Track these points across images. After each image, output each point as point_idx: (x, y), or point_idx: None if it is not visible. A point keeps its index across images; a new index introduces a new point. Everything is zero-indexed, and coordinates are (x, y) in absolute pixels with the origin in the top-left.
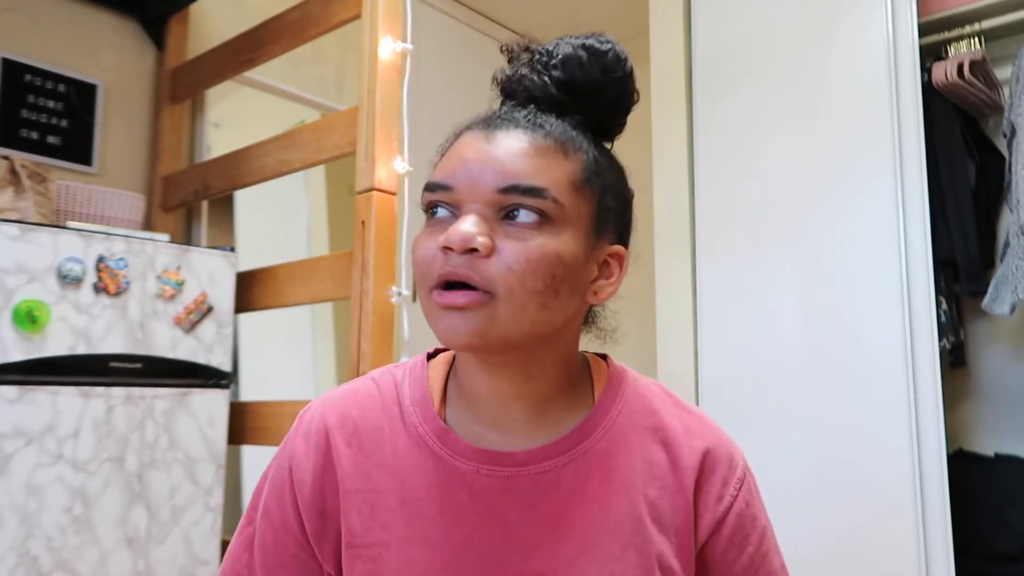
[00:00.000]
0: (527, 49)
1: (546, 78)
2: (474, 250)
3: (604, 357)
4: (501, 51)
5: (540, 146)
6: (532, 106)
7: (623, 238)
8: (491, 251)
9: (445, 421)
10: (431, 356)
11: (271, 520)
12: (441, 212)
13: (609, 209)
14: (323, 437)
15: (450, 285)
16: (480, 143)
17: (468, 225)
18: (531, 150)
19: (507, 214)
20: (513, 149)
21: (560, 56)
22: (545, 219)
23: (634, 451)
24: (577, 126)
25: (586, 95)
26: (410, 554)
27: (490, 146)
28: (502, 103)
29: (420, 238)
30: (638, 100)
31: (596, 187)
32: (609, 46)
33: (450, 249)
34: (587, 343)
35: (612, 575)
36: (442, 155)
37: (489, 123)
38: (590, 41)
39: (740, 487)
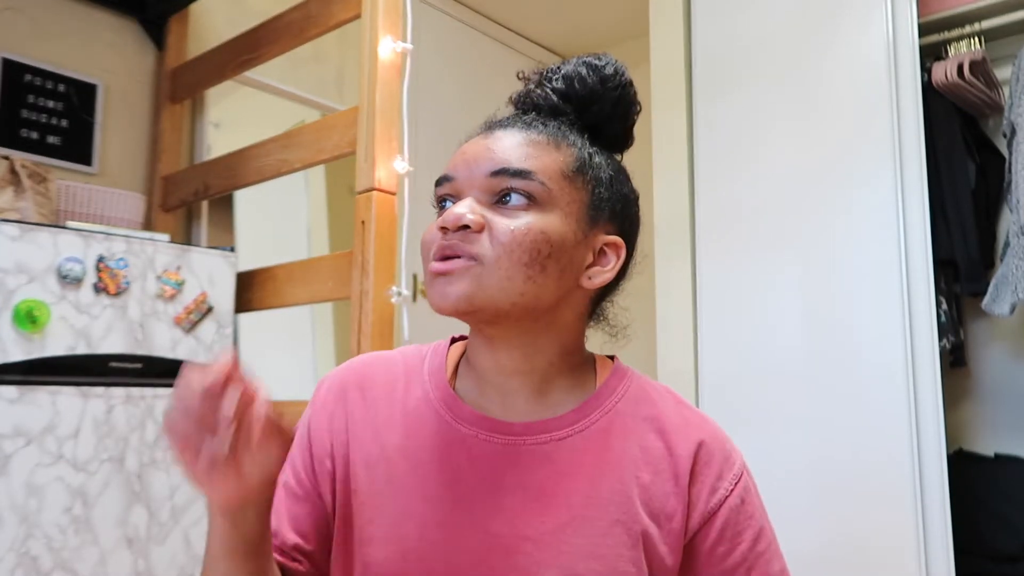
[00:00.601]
0: (539, 73)
1: (548, 89)
2: (466, 227)
3: (612, 358)
4: (518, 77)
5: (532, 139)
6: (533, 113)
7: (625, 232)
8: (481, 227)
9: (455, 391)
10: (455, 340)
11: (293, 463)
12: (448, 204)
13: (603, 200)
14: (342, 390)
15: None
16: (480, 140)
17: (461, 207)
18: (523, 141)
19: (500, 198)
20: (507, 142)
21: (563, 72)
22: (533, 201)
23: (630, 436)
24: (573, 127)
25: (584, 102)
26: (407, 506)
27: (487, 141)
28: None
29: (428, 227)
30: (640, 111)
31: (588, 178)
32: (607, 62)
33: (446, 229)
34: (599, 341)
35: (597, 548)
36: None
37: (490, 125)
38: (590, 59)
39: (736, 483)
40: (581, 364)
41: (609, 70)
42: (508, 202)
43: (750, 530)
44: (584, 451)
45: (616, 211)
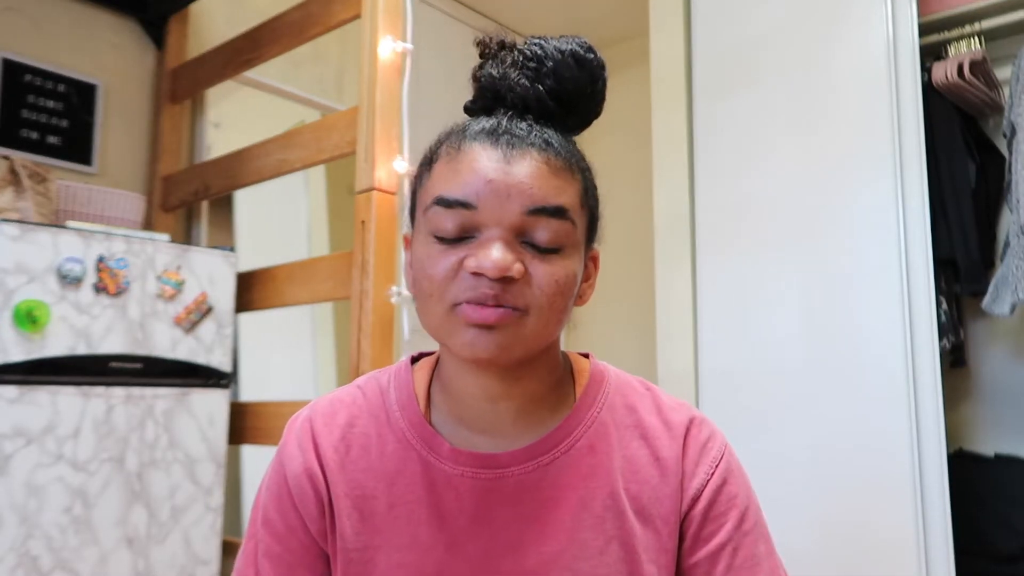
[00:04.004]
0: (504, 47)
1: (540, 87)
2: (507, 277)
3: (587, 356)
4: (475, 45)
5: (555, 166)
6: (530, 117)
7: (596, 238)
8: (523, 275)
9: (431, 424)
10: (415, 359)
11: (274, 527)
12: (451, 227)
13: (597, 220)
14: (311, 443)
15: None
16: (498, 162)
17: (500, 252)
18: (549, 171)
19: (531, 237)
20: (534, 170)
21: (551, 64)
22: (563, 240)
23: (615, 447)
24: (568, 136)
25: (573, 104)
26: (400, 557)
27: (511, 166)
28: (482, 104)
29: (432, 254)
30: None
31: (591, 201)
32: (592, 55)
33: (480, 274)
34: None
35: (597, 569)
36: (432, 160)
37: (497, 138)
38: (575, 48)
39: (716, 466)
40: (561, 374)
41: (596, 65)
42: (536, 240)
43: (734, 510)
44: (572, 472)
45: (598, 224)
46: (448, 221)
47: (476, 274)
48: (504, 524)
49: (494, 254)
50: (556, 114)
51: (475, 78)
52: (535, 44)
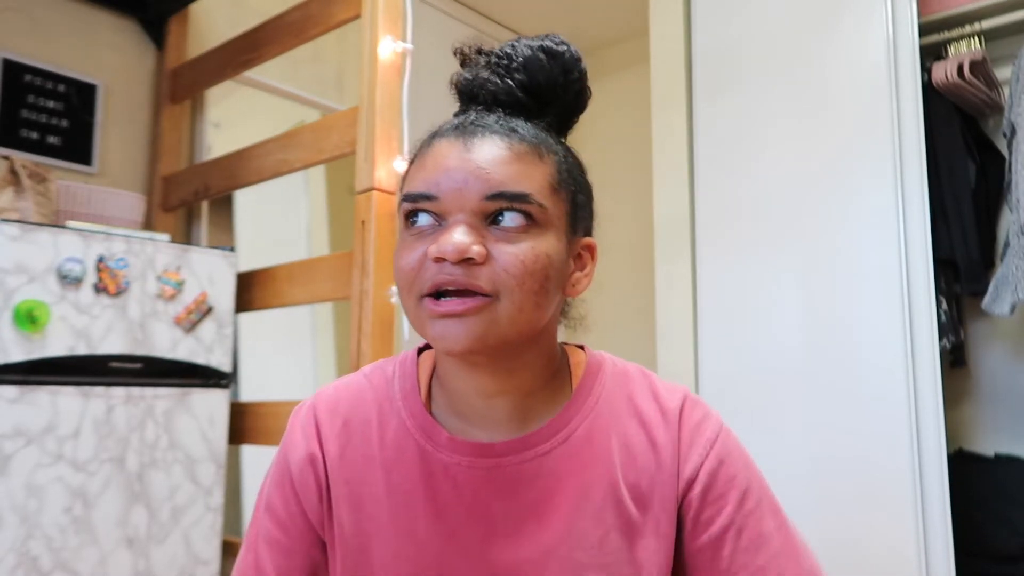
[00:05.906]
0: (480, 51)
1: (509, 81)
2: (468, 259)
3: (582, 348)
4: (454, 54)
5: (518, 151)
6: (500, 111)
7: (590, 230)
8: (485, 258)
9: (432, 414)
10: (421, 351)
11: (276, 514)
12: (422, 220)
13: (581, 206)
14: (314, 430)
15: (444, 292)
16: (459, 151)
17: (460, 235)
18: (510, 156)
19: (493, 219)
20: (493, 156)
21: (521, 59)
22: (531, 222)
23: (612, 436)
24: (542, 127)
25: (547, 96)
26: (396, 546)
27: (470, 154)
28: (463, 107)
29: (403, 247)
30: (590, 96)
31: (570, 186)
32: (564, 47)
33: (442, 259)
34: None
35: (596, 559)
36: (411, 162)
37: (463, 130)
38: (546, 43)
39: (711, 447)
40: (557, 367)
41: (568, 57)
42: (502, 222)
43: (734, 491)
44: (570, 461)
45: (588, 211)
46: (415, 214)
47: (439, 260)
48: (502, 514)
49: (454, 237)
50: (529, 107)
51: (452, 84)
52: (507, 45)
